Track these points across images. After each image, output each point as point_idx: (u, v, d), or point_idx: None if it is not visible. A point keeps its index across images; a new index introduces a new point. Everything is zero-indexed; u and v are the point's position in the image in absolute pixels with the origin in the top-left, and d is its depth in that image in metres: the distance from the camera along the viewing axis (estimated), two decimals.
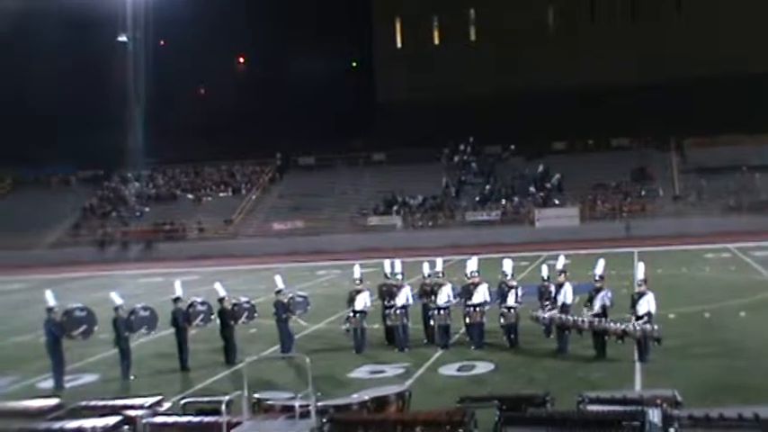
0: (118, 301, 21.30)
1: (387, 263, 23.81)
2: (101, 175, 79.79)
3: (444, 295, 22.06)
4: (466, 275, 22.52)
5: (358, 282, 22.92)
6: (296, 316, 23.66)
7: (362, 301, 22.44)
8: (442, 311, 21.94)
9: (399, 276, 23.29)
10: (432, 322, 22.39)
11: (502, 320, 21.74)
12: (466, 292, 22.11)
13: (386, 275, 23.61)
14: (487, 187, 67.67)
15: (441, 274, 23.30)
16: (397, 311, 22.31)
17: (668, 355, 19.11)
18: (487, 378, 18.74)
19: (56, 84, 68.50)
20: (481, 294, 21.80)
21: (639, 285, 19.63)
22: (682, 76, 71.93)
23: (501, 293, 21.87)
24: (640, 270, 20.20)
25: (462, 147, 72.80)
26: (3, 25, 61.20)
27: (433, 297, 22.36)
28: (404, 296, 22.41)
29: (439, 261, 23.89)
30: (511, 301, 21.53)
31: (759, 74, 68.53)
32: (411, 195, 68.02)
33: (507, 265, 22.43)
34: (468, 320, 22.05)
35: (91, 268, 57.39)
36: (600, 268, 20.72)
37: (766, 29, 73.59)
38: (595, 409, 12.51)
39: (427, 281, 23.33)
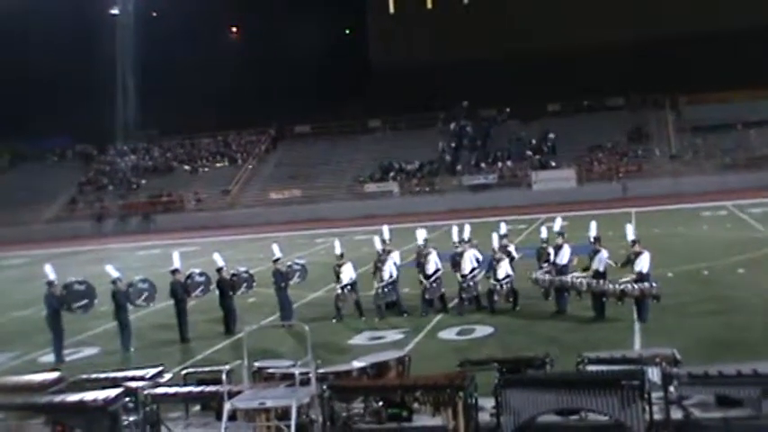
0: (114, 273, 21.32)
1: (376, 239, 23.84)
2: (96, 150, 79.64)
3: (432, 264, 22.00)
4: (453, 243, 22.56)
5: (339, 257, 22.87)
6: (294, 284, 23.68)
7: (348, 274, 22.44)
8: (433, 282, 21.91)
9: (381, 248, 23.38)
10: (426, 295, 22.26)
11: (489, 290, 21.65)
12: (453, 261, 22.16)
13: (378, 252, 23.51)
14: (476, 157, 67.31)
15: (424, 244, 23.46)
16: (385, 290, 22.23)
17: (667, 314, 19.17)
18: (487, 341, 18.81)
19: (51, 58, 68.03)
20: (468, 263, 21.76)
21: (632, 246, 19.57)
22: (675, 33, 71.56)
23: (490, 265, 21.84)
24: (630, 231, 20.15)
25: (455, 113, 72.46)
26: None
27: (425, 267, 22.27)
28: (387, 272, 22.31)
29: (422, 231, 24.11)
30: (501, 274, 21.45)
31: (753, 28, 68.19)
32: (407, 161, 67.94)
33: (495, 240, 22.37)
34: (462, 292, 21.98)
35: (89, 242, 57.38)
36: (593, 230, 20.82)
37: None
38: (595, 370, 12.56)
39: (424, 251, 23.24)
